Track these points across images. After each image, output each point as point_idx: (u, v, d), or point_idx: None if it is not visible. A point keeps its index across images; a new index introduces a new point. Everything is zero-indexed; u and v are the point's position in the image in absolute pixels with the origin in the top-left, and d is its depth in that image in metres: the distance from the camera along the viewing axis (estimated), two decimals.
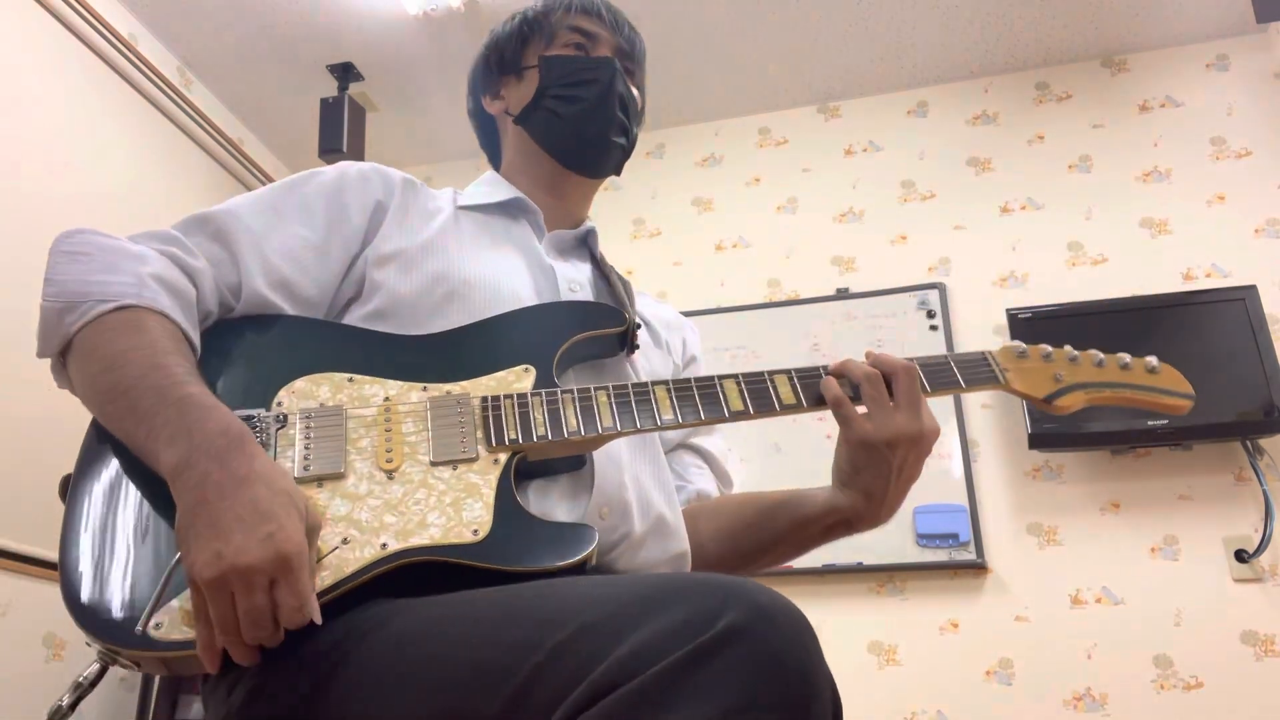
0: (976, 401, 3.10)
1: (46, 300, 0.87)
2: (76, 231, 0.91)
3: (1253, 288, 2.86)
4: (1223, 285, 2.96)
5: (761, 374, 0.98)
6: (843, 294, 3.32)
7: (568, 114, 1.15)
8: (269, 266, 0.98)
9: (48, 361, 0.91)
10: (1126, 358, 1.03)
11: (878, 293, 3.29)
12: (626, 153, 1.20)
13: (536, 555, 0.82)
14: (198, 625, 0.73)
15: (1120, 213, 3.20)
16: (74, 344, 0.86)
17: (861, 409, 0.96)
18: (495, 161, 1.28)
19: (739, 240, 3.55)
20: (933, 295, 3.24)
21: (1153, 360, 1.03)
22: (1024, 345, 1.04)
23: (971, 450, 3.03)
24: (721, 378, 0.97)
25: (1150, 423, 2.76)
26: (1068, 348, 1.05)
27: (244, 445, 0.76)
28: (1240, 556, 2.71)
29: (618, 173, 1.22)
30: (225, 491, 0.73)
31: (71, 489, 0.82)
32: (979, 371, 1.02)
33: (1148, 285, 3.03)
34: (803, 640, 0.63)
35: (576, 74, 1.16)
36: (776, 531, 1.08)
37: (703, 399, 0.95)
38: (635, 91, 1.21)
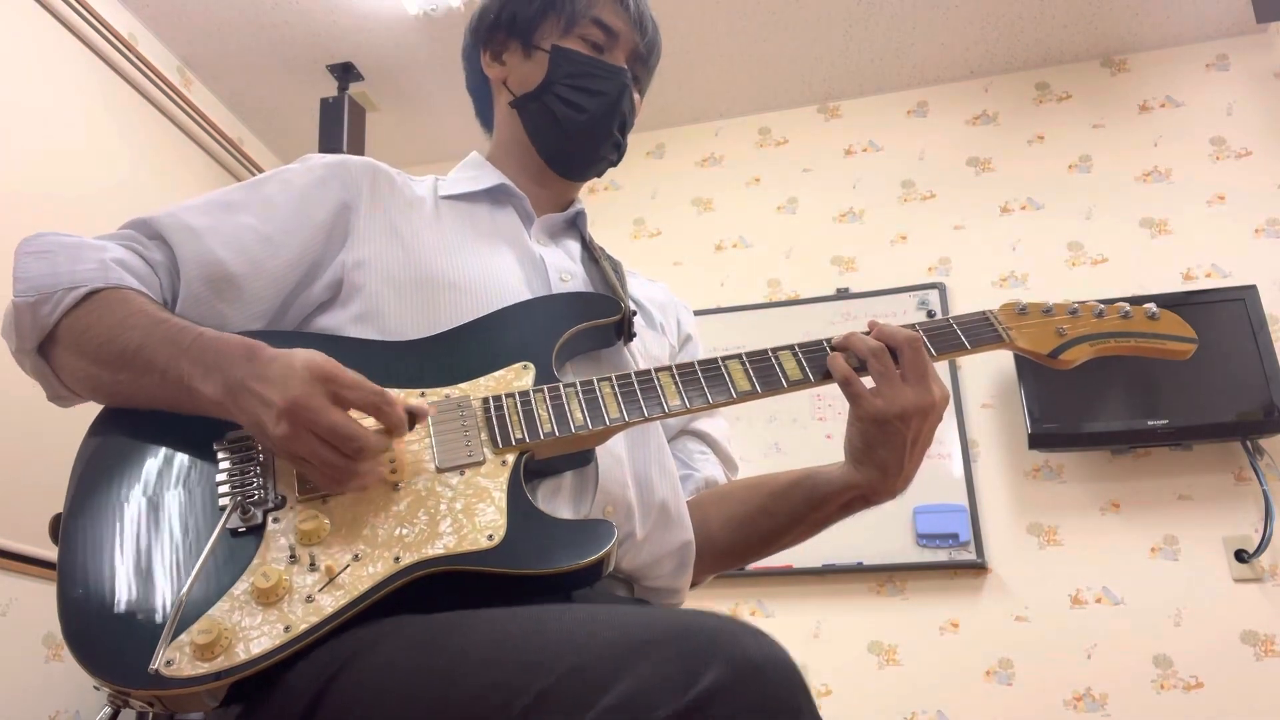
0: (976, 401, 3.10)
1: (18, 297, 0.88)
2: (38, 235, 0.93)
3: (1253, 288, 2.86)
4: (1223, 285, 2.97)
5: (765, 351, 0.96)
6: (843, 294, 3.32)
7: (566, 121, 1.11)
8: (207, 261, 0.94)
9: None
10: (1126, 306, 1.02)
11: (878, 293, 3.28)
12: (614, 164, 1.18)
13: (555, 556, 0.80)
14: (319, 476, 0.79)
15: (1120, 213, 3.20)
16: (57, 334, 0.88)
17: (869, 380, 0.95)
18: (483, 116, 1.26)
19: (739, 240, 3.55)
20: (933, 295, 3.24)
21: (1152, 307, 1.02)
22: (1024, 302, 1.03)
23: (971, 450, 3.03)
24: (725, 359, 0.95)
25: (1150, 422, 2.76)
26: (1067, 299, 1.04)
27: (263, 348, 0.83)
28: (1240, 556, 2.70)
29: (599, 174, 1.20)
30: (260, 376, 0.80)
31: (64, 527, 0.80)
32: (983, 332, 1.00)
33: (1148, 285, 3.03)
34: (791, 698, 0.61)
35: (586, 79, 1.11)
36: (792, 513, 1.06)
37: (708, 382, 0.93)
38: (637, 99, 1.18)
